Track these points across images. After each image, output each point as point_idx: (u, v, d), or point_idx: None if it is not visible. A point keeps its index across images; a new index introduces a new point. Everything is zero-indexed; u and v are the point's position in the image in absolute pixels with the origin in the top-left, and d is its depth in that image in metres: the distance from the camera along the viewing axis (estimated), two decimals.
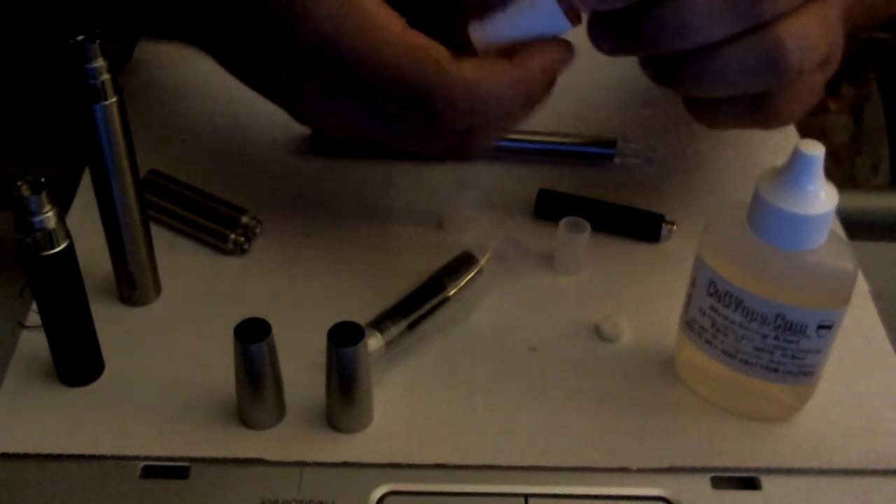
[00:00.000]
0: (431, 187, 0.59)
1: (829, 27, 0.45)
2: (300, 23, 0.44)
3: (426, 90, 0.44)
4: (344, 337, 0.44)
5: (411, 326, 0.50)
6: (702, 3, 0.42)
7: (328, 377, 0.45)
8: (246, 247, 0.55)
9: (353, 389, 0.45)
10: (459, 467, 0.45)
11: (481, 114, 0.45)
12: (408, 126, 0.47)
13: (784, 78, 0.44)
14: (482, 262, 0.53)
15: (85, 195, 0.57)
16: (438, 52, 0.45)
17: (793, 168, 0.41)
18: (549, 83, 0.46)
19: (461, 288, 0.52)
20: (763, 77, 0.44)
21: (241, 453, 0.45)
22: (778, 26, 0.43)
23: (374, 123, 0.47)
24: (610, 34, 0.45)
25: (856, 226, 0.57)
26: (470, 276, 0.52)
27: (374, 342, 0.48)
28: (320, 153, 0.61)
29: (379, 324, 0.49)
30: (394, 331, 0.49)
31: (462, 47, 0.47)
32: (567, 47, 0.46)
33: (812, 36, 0.43)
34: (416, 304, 0.50)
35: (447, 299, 0.51)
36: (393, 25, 0.45)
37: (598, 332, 0.51)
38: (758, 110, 0.46)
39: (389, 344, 0.49)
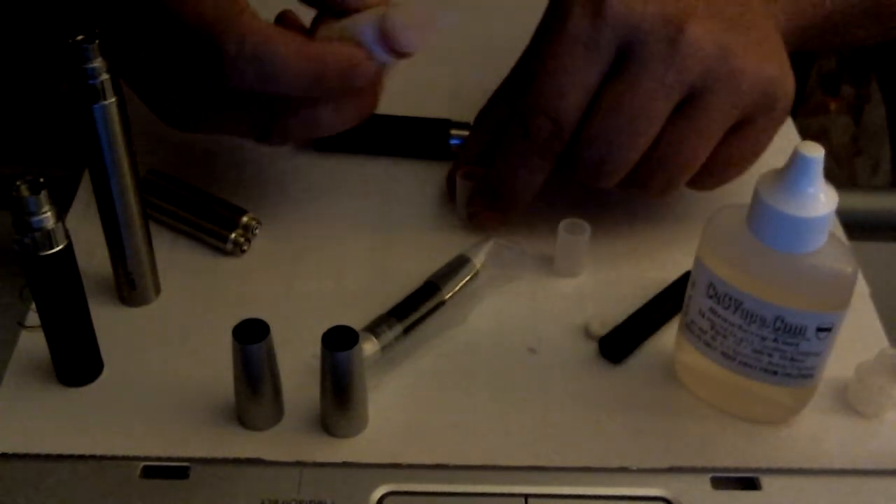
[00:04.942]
0: (431, 187, 0.59)
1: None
2: None
3: (221, 29, 0.47)
4: (338, 341, 0.43)
5: (407, 330, 0.49)
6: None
7: (322, 381, 0.45)
8: (245, 247, 0.55)
9: (347, 394, 0.45)
10: (459, 467, 0.45)
11: (267, 72, 0.47)
12: (202, 71, 0.48)
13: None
14: (478, 264, 0.53)
15: (85, 195, 0.57)
16: (247, 7, 0.47)
17: (792, 170, 0.41)
18: (342, 76, 0.48)
19: (457, 291, 0.51)
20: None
21: (241, 453, 0.45)
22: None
23: (172, 68, 0.50)
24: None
25: (856, 226, 0.57)
26: (466, 280, 0.52)
27: (369, 346, 0.48)
28: (320, 149, 0.61)
29: (374, 328, 0.49)
30: (389, 335, 0.49)
31: None
32: (364, 59, 0.48)
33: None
34: (412, 308, 0.50)
35: (443, 303, 0.51)
36: None
37: (587, 333, 0.51)
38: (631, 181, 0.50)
39: (385, 348, 0.49)
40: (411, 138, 0.62)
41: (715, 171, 0.51)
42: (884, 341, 0.51)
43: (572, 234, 0.54)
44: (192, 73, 0.49)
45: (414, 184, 0.60)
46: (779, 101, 0.50)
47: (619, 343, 0.50)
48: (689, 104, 0.48)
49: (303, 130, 0.51)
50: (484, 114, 0.57)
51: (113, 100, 0.45)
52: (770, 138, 0.52)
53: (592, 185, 0.51)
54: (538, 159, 0.51)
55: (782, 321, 0.44)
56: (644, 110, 0.48)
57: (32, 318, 0.50)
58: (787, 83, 0.50)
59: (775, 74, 0.49)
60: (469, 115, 0.62)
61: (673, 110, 0.48)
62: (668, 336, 0.50)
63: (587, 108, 0.49)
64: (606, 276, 0.55)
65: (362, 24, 0.49)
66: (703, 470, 0.45)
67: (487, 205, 0.54)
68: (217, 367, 0.47)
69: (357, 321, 0.46)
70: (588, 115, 0.49)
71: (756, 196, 0.43)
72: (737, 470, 0.46)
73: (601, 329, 0.51)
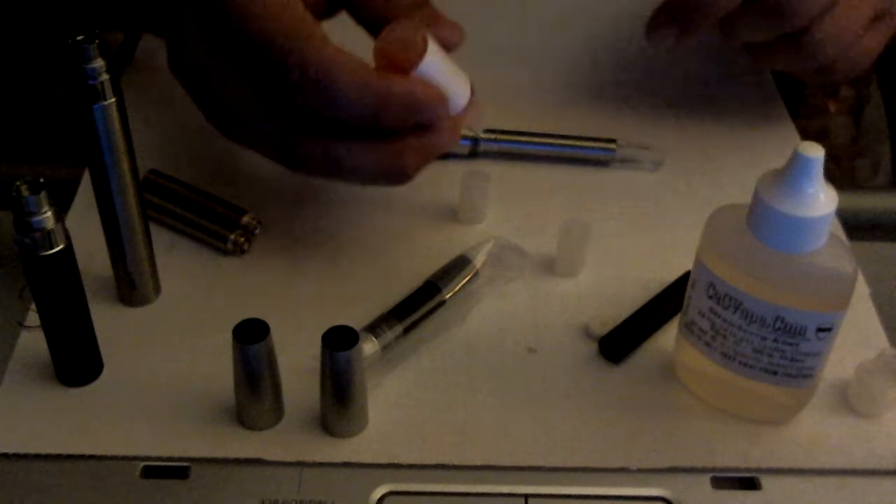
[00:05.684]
0: (431, 187, 0.59)
1: None
2: None
3: (285, 49, 0.46)
4: (338, 341, 0.43)
5: (407, 330, 0.49)
6: None
7: (322, 381, 0.45)
8: (246, 247, 0.55)
9: (347, 394, 0.45)
10: (459, 467, 0.45)
11: (325, 97, 0.46)
12: (260, 92, 0.49)
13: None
14: (478, 265, 0.53)
15: (85, 195, 0.57)
16: (317, 30, 0.47)
17: (792, 170, 0.41)
18: (404, 112, 0.48)
19: (457, 291, 0.51)
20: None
21: (241, 453, 0.45)
22: None
23: (233, 79, 0.49)
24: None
25: (856, 226, 0.58)
26: (465, 280, 0.52)
27: (369, 346, 0.48)
28: None
29: (374, 328, 0.49)
30: (389, 335, 0.49)
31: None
32: (438, 99, 0.48)
33: None
34: (412, 308, 0.50)
35: (443, 303, 0.51)
36: (296, 4, 0.48)
37: (587, 333, 0.51)
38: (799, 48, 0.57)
39: (385, 348, 0.49)
40: None
41: (852, 57, 0.59)
42: (884, 341, 0.51)
43: (572, 234, 0.54)
44: (251, 83, 0.49)
45: (414, 184, 0.60)
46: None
47: (619, 343, 0.50)
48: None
49: (322, 163, 0.50)
50: None
51: (113, 100, 0.45)
52: (887, 38, 0.61)
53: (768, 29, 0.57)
54: None
55: (782, 321, 0.44)
56: None
57: (32, 318, 0.50)
58: None
59: None
60: None
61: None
62: (668, 336, 0.51)
63: None
64: (606, 276, 0.55)
65: (451, 78, 0.49)
66: (703, 470, 0.45)
67: (674, 18, 0.57)
68: (217, 367, 0.47)
69: (357, 321, 0.46)
70: None
71: (756, 196, 0.43)
72: (737, 470, 0.46)
73: (601, 329, 0.51)
